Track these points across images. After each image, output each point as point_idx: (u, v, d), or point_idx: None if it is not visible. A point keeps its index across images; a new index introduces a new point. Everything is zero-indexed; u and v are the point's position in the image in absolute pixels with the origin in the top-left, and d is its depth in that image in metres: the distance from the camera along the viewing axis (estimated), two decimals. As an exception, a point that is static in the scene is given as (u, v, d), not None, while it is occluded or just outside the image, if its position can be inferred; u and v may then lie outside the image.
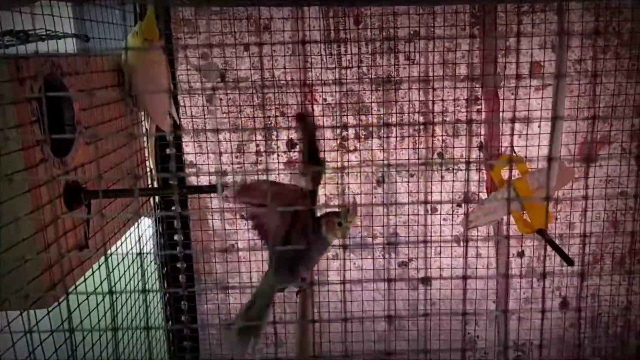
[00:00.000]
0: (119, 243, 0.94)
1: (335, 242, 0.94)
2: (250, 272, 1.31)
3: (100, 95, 0.88)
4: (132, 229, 1.02)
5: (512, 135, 1.24)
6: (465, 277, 1.28)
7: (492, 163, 1.14)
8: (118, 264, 0.95)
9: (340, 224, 0.92)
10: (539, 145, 1.22)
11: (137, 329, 0.79)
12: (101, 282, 0.83)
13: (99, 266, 0.84)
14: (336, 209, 0.93)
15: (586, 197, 1.15)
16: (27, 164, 0.66)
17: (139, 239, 1.07)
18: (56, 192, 0.73)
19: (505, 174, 1.16)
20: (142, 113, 1.08)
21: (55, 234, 0.73)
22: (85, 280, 0.80)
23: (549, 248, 1.26)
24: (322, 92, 1.21)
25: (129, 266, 1.00)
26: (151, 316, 1.16)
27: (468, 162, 1.23)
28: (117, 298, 0.96)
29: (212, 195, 1.25)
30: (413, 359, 1.30)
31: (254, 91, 1.21)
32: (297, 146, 1.25)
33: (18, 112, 0.65)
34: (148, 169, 1.13)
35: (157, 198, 1.22)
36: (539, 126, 1.23)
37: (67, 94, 0.75)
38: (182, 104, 1.22)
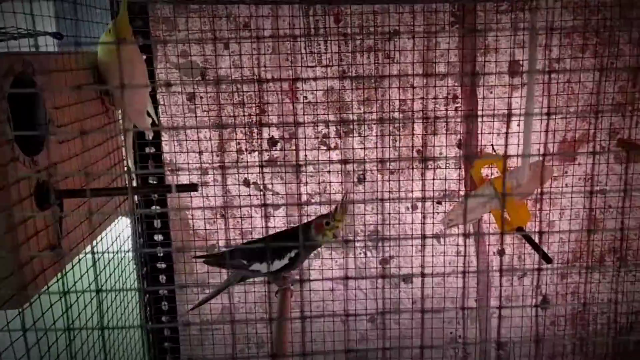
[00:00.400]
0: (94, 243, 0.93)
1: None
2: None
3: (74, 94, 0.87)
4: (108, 228, 1.01)
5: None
6: (423, 275, 1.29)
7: (472, 157, 1.15)
8: (93, 264, 0.94)
9: (327, 223, 0.92)
10: (518, 144, 1.23)
11: (90, 329, 0.78)
12: (75, 283, 0.82)
13: (72, 266, 0.83)
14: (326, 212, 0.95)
15: (542, 194, 1.16)
16: (-4, 162, 0.65)
17: (109, 239, 1.06)
18: (27, 192, 0.72)
19: (484, 172, 1.17)
20: (119, 112, 1.06)
21: (26, 234, 0.72)
22: (57, 280, 0.79)
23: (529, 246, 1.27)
24: (302, 90, 1.21)
25: (104, 266, 0.99)
26: (129, 317, 1.15)
27: (442, 157, 1.23)
28: (89, 298, 0.95)
29: (192, 194, 1.24)
30: (372, 356, 1.30)
31: (234, 89, 1.20)
32: (278, 144, 1.24)
33: (-14, 110, 0.64)
34: (125, 168, 1.12)
35: (136, 197, 1.21)
36: (518, 124, 1.24)
37: (30, 90, 0.74)
38: (161, 102, 1.21)
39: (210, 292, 1.07)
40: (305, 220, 1.03)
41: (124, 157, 1.12)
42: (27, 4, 0.77)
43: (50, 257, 0.77)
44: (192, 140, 1.23)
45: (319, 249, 1.29)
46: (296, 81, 1.20)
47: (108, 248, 1.01)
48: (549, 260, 1.08)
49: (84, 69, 0.92)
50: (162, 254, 1.27)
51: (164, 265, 1.28)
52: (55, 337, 0.77)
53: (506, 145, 1.22)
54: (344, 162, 1.20)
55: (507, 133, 1.24)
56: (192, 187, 0.76)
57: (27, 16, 0.80)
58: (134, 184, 1.21)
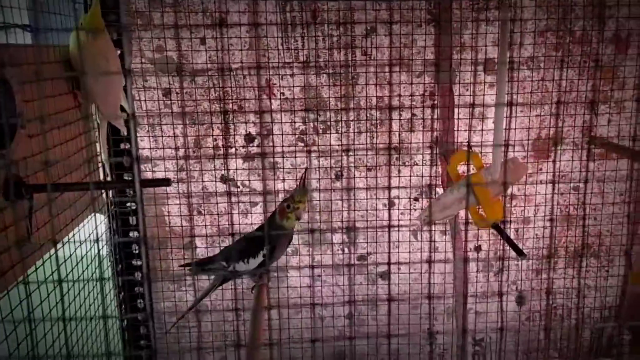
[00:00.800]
0: (65, 239, 0.92)
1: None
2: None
3: (45, 87, 0.86)
4: (82, 223, 1.00)
5: (440, 127, 1.25)
6: (390, 263, 1.30)
7: (448, 151, 1.16)
8: (66, 260, 0.93)
9: (289, 206, 0.93)
10: (493, 142, 1.24)
11: (52, 321, 0.77)
12: (45, 278, 0.81)
13: (43, 262, 0.82)
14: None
15: (505, 184, 1.18)
16: (-40, 155, 0.64)
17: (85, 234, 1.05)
18: (-6, 185, 0.71)
19: (460, 169, 1.18)
20: (93, 106, 1.05)
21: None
22: (28, 274, 0.78)
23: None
24: (280, 86, 1.21)
25: (77, 262, 0.98)
26: (106, 311, 1.13)
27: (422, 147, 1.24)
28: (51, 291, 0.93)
29: (168, 190, 1.23)
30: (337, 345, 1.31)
31: (210, 85, 1.19)
32: (255, 140, 1.24)
33: (-50, 101, 0.63)
34: (100, 164, 1.10)
35: (110, 193, 1.19)
36: (494, 122, 1.25)
37: None
38: (136, 98, 1.19)
39: (195, 299, 1.07)
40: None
41: (98, 153, 1.11)
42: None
43: (19, 252, 0.76)
44: (168, 136, 1.22)
45: (297, 245, 1.29)
46: (272, 77, 1.19)
47: (82, 242, 1.00)
48: (522, 255, 1.10)
49: (56, 62, 0.91)
50: (137, 251, 1.26)
51: (139, 263, 1.27)
52: (24, 330, 0.76)
53: (470, 142, 1.24)
54: (308, 151, 1.20)
55: (482, 130, 1.25)
56: (163, 182, 0.75)
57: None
58: (109, 179, 1.19)
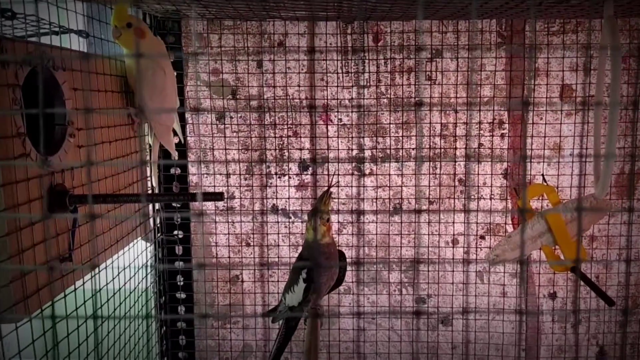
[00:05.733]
0: (109, 261, 0.86)
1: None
2: (255, 305, 1.21)
3: (98, 99, 0.82)
4: (127, 247, 0.94)
5: (511, 158, 1.15)
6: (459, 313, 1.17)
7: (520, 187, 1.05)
8: (107, 284, 0.87)
9: (328, 219, 0.87)
10: (571, 174, 1.13)
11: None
12: (83, 303, 0.74)
13: (83, 283, 0.76)
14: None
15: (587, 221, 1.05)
16: (2, 156, 0.60)
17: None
18: (36, 193, 0.66)
19: (534, 204, 1.07)
20: (146, 126, 1.01)
21: (33, 240, 0.65)
22: (65, 296, 0.72)
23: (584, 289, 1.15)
24: (337, 111, 1.15)
25: (119, 288, 0.91)
26: (142, 349, 1.06)
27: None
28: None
29: (217, 219, 1.17)
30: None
31: (265, 109, 1.14)
32: (309, 169, 1.17)
33: (-3, 97, 0.59)
34: (149, 186, 1.06)
35: (157, 220, 1.14)
36: (571, 154, 1.14)
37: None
38: (189, 121, 1.16)
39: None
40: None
41: (148, 176, 1.06)
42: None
43: (58, 268, 0.70)
44: (220, 162, 1.17)
45: (350, 283, 1.19)
46: (330, 102, 1.13)
47: (125, 268, 0.93)
48: (611, 302, 0.97)
49: (111, 75, 0.88)
50: (181, 283, 1.19)
51: (183, 296, 1.20)
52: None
53: (544, 175, 1.12)
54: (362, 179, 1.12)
55: (558, 162, 1.14)
56: (217, 196, 0.69)
57: (55, 16, 0.76)
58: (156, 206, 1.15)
